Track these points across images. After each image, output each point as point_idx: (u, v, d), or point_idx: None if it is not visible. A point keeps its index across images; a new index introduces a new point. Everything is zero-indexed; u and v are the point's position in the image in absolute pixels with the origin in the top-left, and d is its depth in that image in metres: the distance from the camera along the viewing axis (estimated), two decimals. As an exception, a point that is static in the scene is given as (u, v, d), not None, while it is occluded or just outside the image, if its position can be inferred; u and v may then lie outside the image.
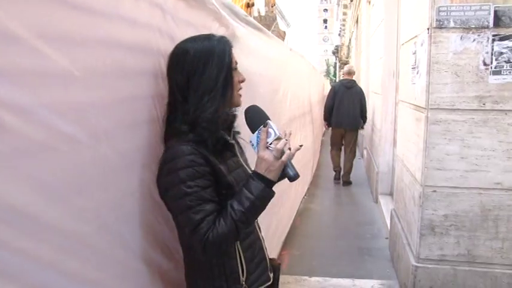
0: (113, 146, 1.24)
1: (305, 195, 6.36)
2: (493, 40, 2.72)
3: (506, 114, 2.77)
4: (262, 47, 3.07)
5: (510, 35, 2.70)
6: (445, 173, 2.89)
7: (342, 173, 7.41)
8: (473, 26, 2.74)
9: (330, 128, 7.60)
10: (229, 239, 1.34)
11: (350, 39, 21.92)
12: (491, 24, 2.72)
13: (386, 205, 5.33)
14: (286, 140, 1.38)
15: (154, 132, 1.48)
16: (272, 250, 3.68)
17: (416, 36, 3.21)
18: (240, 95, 1.51)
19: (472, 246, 2.93)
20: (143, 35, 1.41)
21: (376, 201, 6.03)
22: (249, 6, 12.79)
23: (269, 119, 1.44)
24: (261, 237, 1.66)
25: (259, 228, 1.69)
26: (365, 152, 8.67)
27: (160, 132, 1.48)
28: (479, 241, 2.91)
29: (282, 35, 15.13)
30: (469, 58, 2.77)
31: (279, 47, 3.96)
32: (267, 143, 1.36)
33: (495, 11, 2.70)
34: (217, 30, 2.01)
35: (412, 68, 3.31)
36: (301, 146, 2.08)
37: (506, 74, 2.73)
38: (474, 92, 2.79)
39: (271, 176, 1.34)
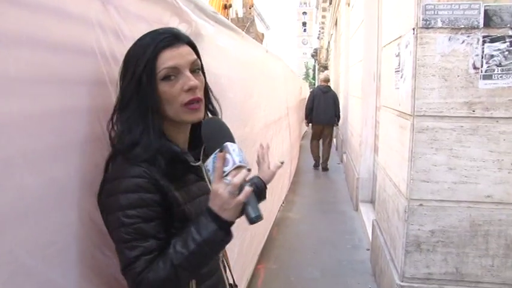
0: (36, 172, 0.98)
1: (283, 203, 6.11)
2: (484, 42, 2.51)
3: (497, 121, 2.56)
4: (234, 48, 2.81)
5: (501, 36, 2.49)
6: (432, 185, 2.67)
7: (320, 161, 9.02)
8: (462, 26, 2.53)
9: (310, 126, 9.29)
10: (167, 286, 1.07)
11: (329, 42, 21.85)
12: (481, 24, 2.50)
13: (367, 213, 5.13)
14: (249, 169, 1.08)
15: (98, 151, 1.21)
16: (247, 266, 3.42)
17: (400, 37, 2.98)
18: (194, 109, 1.17)
19: (461, 264, 2.71)
20: (75, 30, 1.13)
21: (357, 209, 5.82)
22: (226, 7, 12.61)
23: (231, 140, 1.14)
24: (225, 280, 1.37)
25: (226, 264, 1.41)
26: (344, 157, 8.48)
27: (107, 149, 1.20)
28: (469, 258, 2.70)
29: (260, 37, 14.92)
30: (457, 61, 2.56)
31: (254, 48, 3.70)
32: (224, 172, 1.06)
33: (485, 10, 2.49)
34: (178, 27, 1.74)
35: (396, 72, 3.09)
36: (282, 162, 1.82)
37: (498, 79, 2.52)
38: (463, 97, 2.57)
39: (226, 215, 1.05)
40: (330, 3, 17.94)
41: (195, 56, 1.19)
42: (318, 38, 44.70)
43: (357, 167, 6.04)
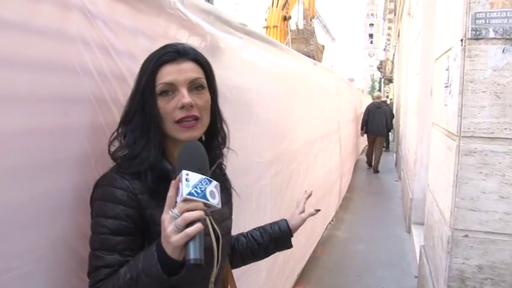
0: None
1: (332, 220, 5.87)
2: (543, 54, 2.21)
3: (558, 145, 2.25)
4: (268, 61, 2.67)
5: None
6: (480, 214, 2.38)
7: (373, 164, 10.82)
8: (518, 37, 2.24)
9: (366, 136, 11.02)
10: None
11: (394, 54, 21.22)
12: (541, 34, 2.21)
13: (418, 236, 4.78)
14: (209, 204, 0.96)
15: (70, 173, 1.15)
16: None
17: (449, 49, 2.72)
18: (185, 127, 1.13)
19: (513, 305, 2.39)
20: (47, 45, 1.05)
21: (409, 231, 5.47)
22: (285, 19, 12.50)
23: (200, 169, 1.00)
24: None
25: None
26: (402, 174, 8.07)
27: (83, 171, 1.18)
28: (522, 299, 2.38)
29: (320, 49, 14.69)
30: (512, 76, 2.27)
31: (296, 61, 3.54)
32: (176, 203, 0.96)
33: (545, 19, 2.20)
34: (188, 41, 1.64)
35: (445, 87, 2.82)
36: (317, 210, 1.69)
37: (559, 96, 2.21)
38: (518, 117, 2.28)
39: (169, 250, 0.95)
40: (395, 14, 17.43)
41: (197, 74, 1.16)
42: (384, 50, 43.76)
43: (411, 187, 5.70)
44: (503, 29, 2.26)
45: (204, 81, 1.17)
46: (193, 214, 0.93)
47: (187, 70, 1.13)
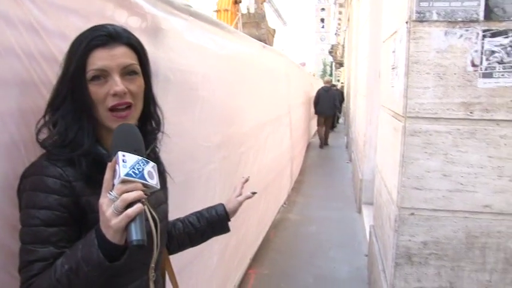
0: None
1: (284, 203, 5.92)
2: (484, 36, 2.28)
3: (497, 124, 2.33)
4: (215, 44, 2.62)
5: (504, 30, 2.25)
6: (425, 193, 2.45)
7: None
8: (460, 20, 2.30)
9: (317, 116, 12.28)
10: None
11: (344, 38, 21.51)
12: (481, 17, 2.27)
13: (368, 216, 4.90)
14: (147, 184, 0.95)
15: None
16: (232, 272, 3.25)
17: (395, 32, 2.76)
18: (118, 117, 1.10)
19: (456, 279, 2.49)
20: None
21: (359, 211, 5.61)
22: (236, 3, 12.39)
23: (136, 150, 0.99)
24: None
25: (159, 274, 1.29)
26: (352, 156, 8.24)
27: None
28: (464, 273, 2.47)
29: (271, 33, 14.69)
30: (454, 57, 2.33)
31: (245, 44, 3.50)
32: (113, 186, 0.94)
33: (486, 2, 2.25)
34: (127, 21, 1.57)
35: (392, 69, 2.87)
36: (253, 193, 1.67)
37: (499, 77, 2.29)
38: (460, 98, 2.34)
39: (109, 235, 0.92)
40: (345, -1, 17.64)
41: (130, 60, 1.12)
42: (335, 34, 44.34)
43: (361, 168, 5.83)
44: (445, 12, 2.31)
45: (137, 66, 1.14)
46: (133, 194, 0.91)
47: (120, 55, 1.09)
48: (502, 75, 2.29)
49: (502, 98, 2.30)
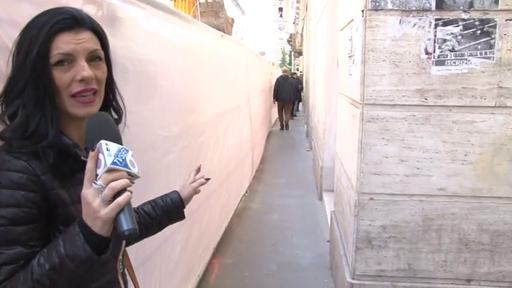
0: None
1: (246, 192, 5.94)
2: (436, 25, 2.35)
3: (450, 110, 2.42)
4: (173, 33, 2.58)
5: (454, 19, 2.33)
6: (383, 178, 2.52)
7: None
8: (413, 8, 2.36)
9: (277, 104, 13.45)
10: None
11: (303, 27, 21.63)
12: (433, 6, 2.34)
13: (330, 203, 4.97)
14: (131, 173, 0.93)
15: None
16: (196, 262, 3.24)
17: (352, 20, 2.80)
18: (83, 102, 1.04)
19: (414, 260, 2.58)
20: None
21: (321, 198, 5.70)
22: (194, -9, 12.22)
23: (114, 138, 0.96)
24: (120, 282, 1.20)
25: (131, 278, 1.27)
26: (313, 144, 8.35)
27: None
28: (421, 254, 2.57)
29: (230, 22, 14.61)
30: (409, 45, 2.39)
31: (204, 33, 3.47)
32: (96, 176, 0.90)
33: (438, -9, 2.32)
34: (82, 9, 1.51)
35: (349, 57, 2.92)
36: (207, 179, 1.68)
37: (451, 65, 2.37)
38: (415, 85, 2.42)
39: (97, 227, 0.89)
40: (303, -12, 17.70)
41: (95, 45, 1.07)
42: (294, 23, 44.45)
43: (321, 155, 5.91)
44: (399, 1, 2.36)
45: (101, 52, 1.09)
46: (121, 182, 0.89)
47: (86, 40, 1.04)
48: (454, 62, 2.37)
49: (454, 84, 2.39)
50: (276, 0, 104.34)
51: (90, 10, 1.57)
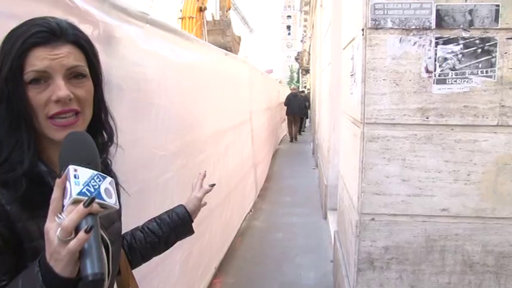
0: None
1: (250, 211, 5.90)
2: (436, 43, 2.33)
3: (452, 129, 2.38)
4: (172, 51, 2.59)
5: (454, 38, 2.31)
6: (385, 198, 2.48)
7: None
8: (413, 27, 2.34)
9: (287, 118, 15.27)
10: None
11: (310, 45, 21.75)
12: (433, 25, 2.32)
13: (334, 222, 4.92)
14: (105, 204, 0.81)
15: None
16: (195, 282, 3.20)
17: (353, 38, 2.80)
18: (60, 125, 0.94)
19: (417, 282, 2.52)
20: None
21: (325, 217, 5.64)
22: (201, 10, 12.36)
23: (90, 162, 0.85)
24: None
25: None
26: (318, 162, 8.30)
27: None
28: (424, 276, 2.51)
29: (237, 40, 14.71)
30: (409, 64, 2.37)
31: (206, 51, 3.48)
32: (63, 206, 0.79)
33: (437, 10, 2.31)
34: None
35: (351, 75, 2.90)
36: (212, 185, 1.62)
37: (452, 83, 2.35)
38: (416, 103, 2.39)
39: (59, 265, 0.77)
40: (310, 6, 17.84)
41: (75, 61, 0.96)
42: (301, 41, 44.77)
43: (326, 174, 5.87)
44: (399, 20, 2.35)
45: (85, 68, 0.98)
46: (77, 215, 0.77)
47: (65, 55, 0.94)
48: (455, 81, 2.34)
49: (456, 103, 2.36)
50: (284, 18, 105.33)
51: (85, 30, 1.57)
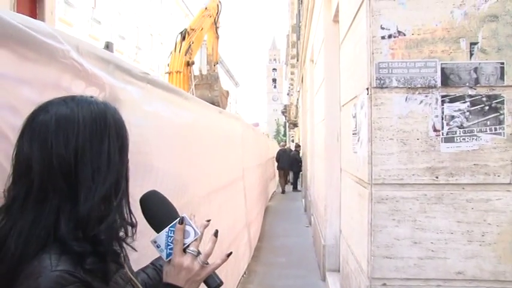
0: None
1: (244, 273, 5.67)
2: (443, 102, 2.30)
3: (463, 188, 2.31)
4: (170, 111, 2.52)
5: (461, 95, 2.28)
6: (396, 261, 2.35)
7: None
8: (419, 86, 2.32)
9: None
10: None
11: (298, 99, 22.01)
12: (439, 83, 2.30)
13: (334, 285, 4.72)
14: (216, 232, 1.15)
15: None
16: None
17: (355, 97, 2.76)
18: None
19: None
20: None
21: (324, 278, 5.43)
22: (189, 64, 12.41)
23: (175, 212, 1.15)
24: None
25: None
26: (312, 220, 8.14)
27: None
28: None
29: (224, 95, 14.83)
30: (416, 123, 2.32)
31: (201, 110, 3.42)
32: (184, 244, 1.07)
33: (442, 69, 2.29)
34: (84, 92, 1.45)
35: (353, 134, 2.85)
36: (208, 221, 1.55)
37: (460, 141, 2.29)
38: (425, 163, 2.32)
39: (195, 286, 1.06)
40: (297, 60, 18.21)
41: None
42: (288, 94, 45.48)
43: (323, 233, 5.71)
44: (404, 79, 2.32)
45: None
46: (212, 245, 1.11)
47: None
48: (463, 139, 2.29)
49: (465, 161, 2.30)
50: (270, 71, 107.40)
51: (92, 92, 1.50)
